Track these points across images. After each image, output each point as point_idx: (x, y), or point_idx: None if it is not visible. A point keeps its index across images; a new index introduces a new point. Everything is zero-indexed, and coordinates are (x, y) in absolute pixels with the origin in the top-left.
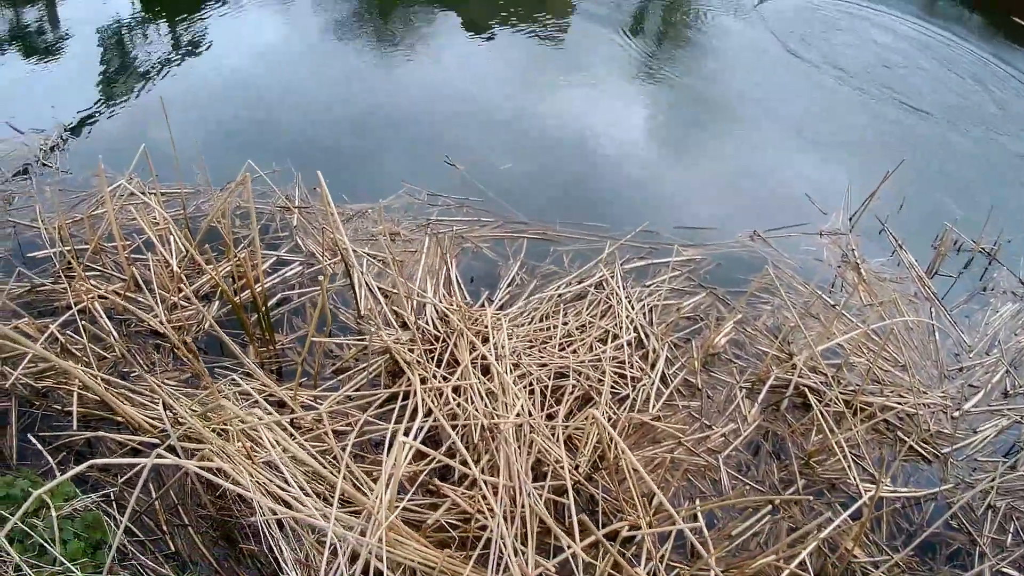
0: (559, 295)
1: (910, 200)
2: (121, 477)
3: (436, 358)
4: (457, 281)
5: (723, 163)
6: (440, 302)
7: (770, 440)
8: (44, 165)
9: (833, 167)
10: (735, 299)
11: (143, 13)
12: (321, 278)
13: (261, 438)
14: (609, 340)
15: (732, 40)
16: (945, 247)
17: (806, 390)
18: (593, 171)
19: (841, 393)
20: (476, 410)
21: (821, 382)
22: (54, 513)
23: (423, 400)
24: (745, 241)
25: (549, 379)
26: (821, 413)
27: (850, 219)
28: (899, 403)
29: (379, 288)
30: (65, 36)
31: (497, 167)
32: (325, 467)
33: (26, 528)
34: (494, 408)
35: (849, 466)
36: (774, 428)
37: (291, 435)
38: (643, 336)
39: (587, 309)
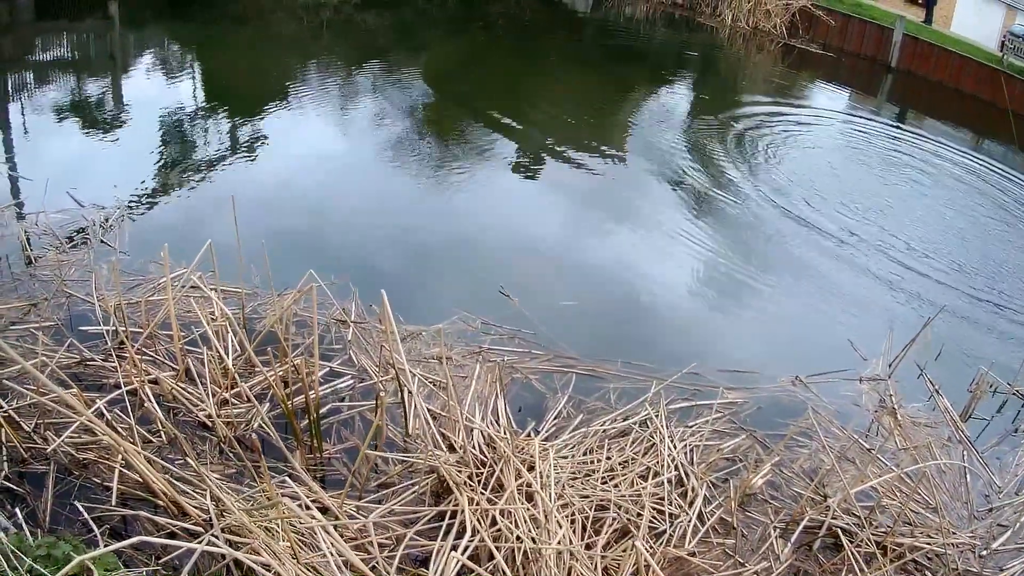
0: (604, 430)
1: (948, 345)
2: (159, 559)
3: (482, 482)
4: (505, 409)
5: (769, 307)
6: (488, 428)
7: None
8: (103, 242)
9: (875, 313)
10: (774, 442)
11: (206, 103)
12: (382, 393)
13: (308, 539)
14: (650, 477)
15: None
16: (980, 390)
17: (839, 531)
18: (643, 311)
19: (873, 534)
20: (520, 534)
21: (854, 523)
22: None
23: (470, 520)
24: (787, 385)
25: (590, 510)
26: (852, 553)
27: (889, 365)
28: (928, 543)
29: (429, 410)
30: (128, 114)
31: (552, 301)
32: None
33: None
34: (537, 534)
35: None
36: (805, 567)
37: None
38: (683, 475)
39: (630, 446)
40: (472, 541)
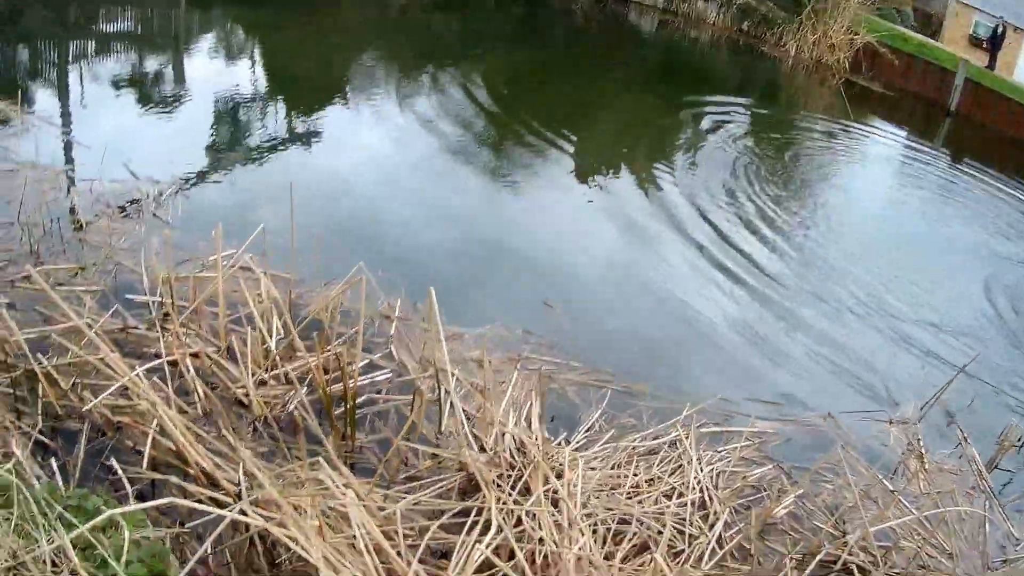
0: (633, 447)
1: (982, 394)
2: (183, 525)
3: (510, 484)
4: (540, 416)
5: (811, 340)
6: (520, 433)
7: None
8: (155, 216)
9: (913, 356)
10: (799, 474)
11: (267, 89)
12: (422, 387)
13: (335, 523)
14: (674, 496)
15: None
16: (1008, 442)
17: (854, 567)
18: (685, 336)
19: (887, 573)
20: (543, 536)
21: (869, 561)
22: (127, 533)
23: (495, 517)
24: (817, 421)
25: (613, 522)
26: None
27: (920, 408)
28: None
29: (463, 410)
30: (187, 93)
31: (597, 318)
32: (396, 560)
33: (93, 540)
34: (559, 539)
35: None
36: None
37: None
38: (707, 498)
39: (658, 465)
40: (496, 539)
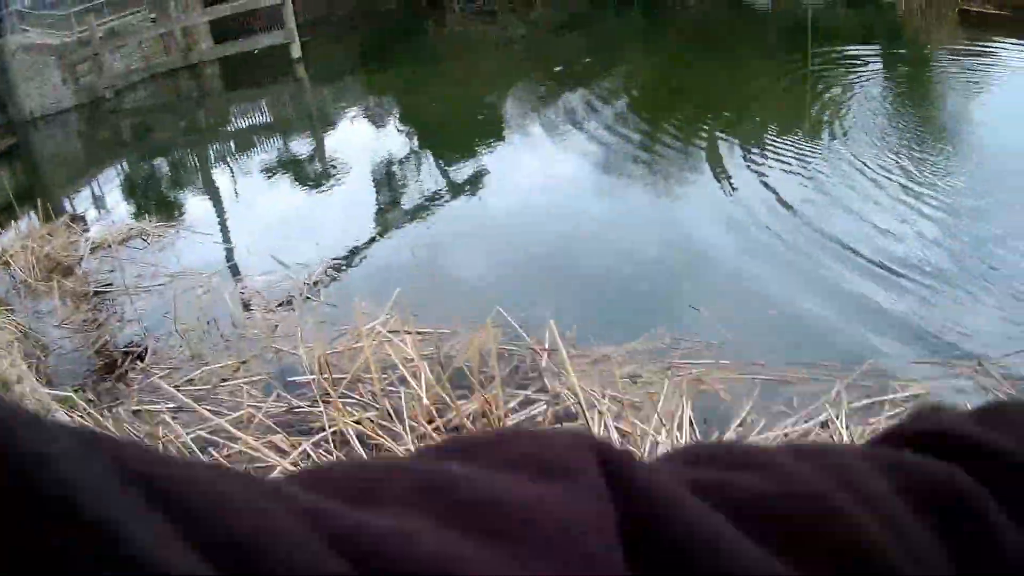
0: (785, 434)
1: None
2: None
3: None
4: (690, 422)
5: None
6: (670, 442)
7: None
8: (307, 298)
9: None
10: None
11: (408, 147)
12: (574, 413)
13: None
14: None
15: None
16: None
17: None
18: (830, 309)
19: None
20: None
21: None
22: None
23: None
24: (969, 372)
25: None
26: None
27: None
28: None
29: (617, 427)
30: (331, 170)
31: (745, 313)
32: None
33: None
34: None
35: None
36: None
37: None
38: None
39: None
40: None
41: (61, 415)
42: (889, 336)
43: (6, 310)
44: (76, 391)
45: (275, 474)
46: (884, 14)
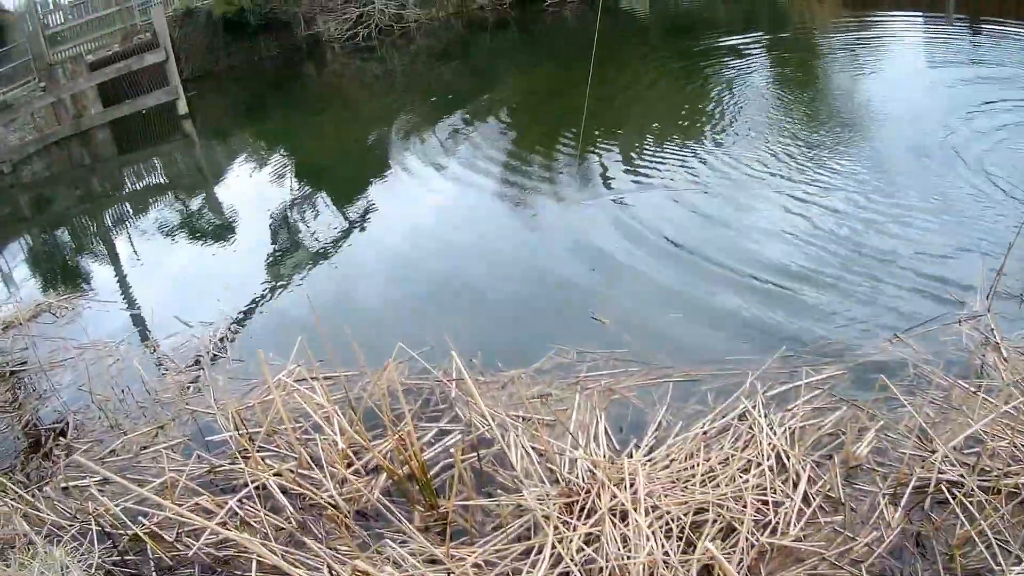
0: (704, 432)
1: None
2: None
3: (580, 507)
4: (606, 432)
5: (855, 270)
6: (586, 456)
7: (913, 541)
8: (215, 356)
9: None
10: (878, 408)
11: (303, 195)
12: (487, 439)
13: None
14: (752, 468)
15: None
16: None
17: (945, 485)
18: (733, 300)
19: (981, 479)
20: (606, 556)
21: (960, 474)
22: None
23: (556, 551)
24: (885, 347)
25: (689, 515)
26: (963, 503)
27: (987, 298)
28: None
29: (532, 448)
30: (228, 221)
31: (645, 317)
32: None
33: None
34: (627, 551)
35: (994, 554)
36: (919, 529)
37: None
38: (785, 460)
39: (730, 443)
40: (552, 572)
41: None
42: (799, 324)
43: None
44: (6, 475)
45: (206, 536)
46: (765, 2)
